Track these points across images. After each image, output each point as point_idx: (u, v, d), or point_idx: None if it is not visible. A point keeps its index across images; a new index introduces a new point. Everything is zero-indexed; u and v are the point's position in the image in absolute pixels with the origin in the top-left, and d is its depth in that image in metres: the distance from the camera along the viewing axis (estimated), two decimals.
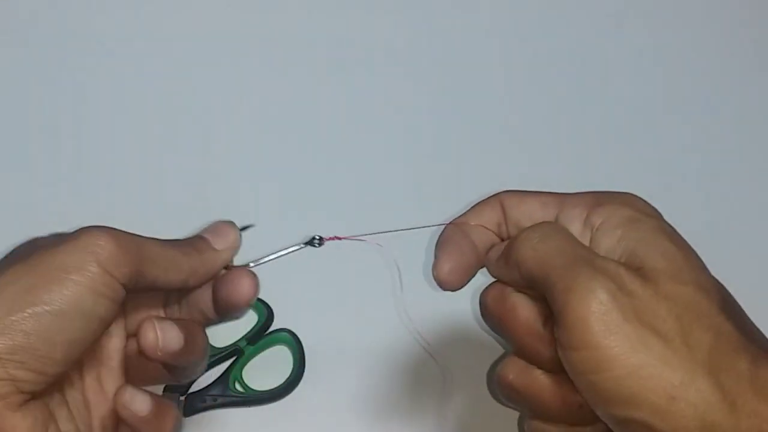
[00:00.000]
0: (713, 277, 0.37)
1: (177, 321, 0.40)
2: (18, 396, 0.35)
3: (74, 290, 0.36)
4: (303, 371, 0.53)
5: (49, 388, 0.37)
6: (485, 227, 0.42)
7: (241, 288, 0.42)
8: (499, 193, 0.42)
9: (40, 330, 0.35)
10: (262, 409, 0.52)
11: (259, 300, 0.54)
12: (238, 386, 0.52)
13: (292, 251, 0.45)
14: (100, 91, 0.62)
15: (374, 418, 0.52)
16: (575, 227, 0.39)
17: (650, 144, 0.62)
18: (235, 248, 0.43)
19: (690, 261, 0.36)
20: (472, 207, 0.43)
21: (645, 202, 0.39)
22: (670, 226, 0.38)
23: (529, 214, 0.41)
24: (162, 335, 0.39)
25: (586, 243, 0.38)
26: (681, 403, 0.33)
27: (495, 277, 0.42)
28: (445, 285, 0.41)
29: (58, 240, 0.38)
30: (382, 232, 0.45)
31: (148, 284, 0.39)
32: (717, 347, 0.34)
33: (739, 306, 0.38)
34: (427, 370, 0.53)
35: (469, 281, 0.42)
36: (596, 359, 0.34)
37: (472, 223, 0.42)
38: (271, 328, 0.54)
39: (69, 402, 0.39)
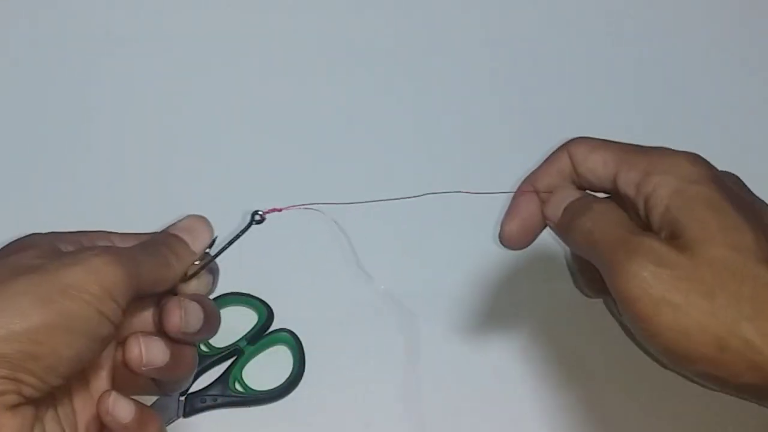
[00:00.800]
0: (757, 231, 0.39)
1: (164, 336, 0.41)
2: (15, 398, 0.36)
3: (84, 309, 0.37)
4: (303, 371, 0.53)
5: (45, 395, 0.38)
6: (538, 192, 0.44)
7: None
8: (568, 143, 0.44)
9: (51, 342, 0.36)
10: (262, 409, 0.52)
11: (259, 300, 0.54)
12: (238, 386, 0.52)
13: (241, 234, 0.44)
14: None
15: (374, 418, 0.52)
16: (630, 190, 0.41)
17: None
18: (205, 243, 0.44)
19: (725, 223, 0.38)
20: (543, 161, 0.45)
21: (697, 164, 0.41)
22: (718, 189, 0.40)
23: (593, 171, 0.43)
24: (146, 351, 0.40)
25: (641, 208, 0.41)
26: (729, 352, 0.37)
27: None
28: (508, 243, 0.45)
29: (65, 256, 0.39)
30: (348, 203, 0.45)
31: (137, 298, 0.40)
32: (756, 296, 0.37)
33: None
34: (428, 370, 0.53)
35: (533, 241, 0.45)
36: (649, 329, 0.38)
37: (535, 186, 0.44)
38: (271, 328, 0.54)
39: (57, 405, 0.40)
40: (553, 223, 0.44)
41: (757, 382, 0.37)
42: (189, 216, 0.44)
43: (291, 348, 0.53)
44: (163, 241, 0.43)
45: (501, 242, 0.45)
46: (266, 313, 0.54)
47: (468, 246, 0.57)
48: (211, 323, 0.42)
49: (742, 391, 0.38)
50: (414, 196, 0.45)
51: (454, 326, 0.55)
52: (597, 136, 0.44)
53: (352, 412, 0.52)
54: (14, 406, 0.36)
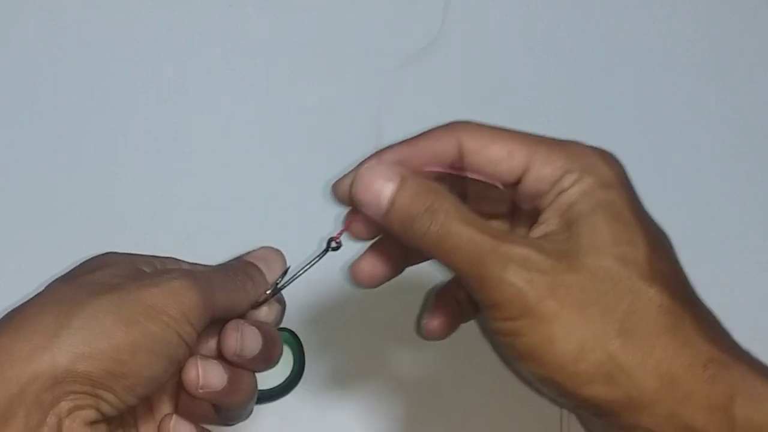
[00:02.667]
0: (653, 247, 0.37)
1: (223, 361, 0.41)
2: (94, 414, 0.37)
3: (165, 331, 0.38)
4: (303, 371, 0.53)
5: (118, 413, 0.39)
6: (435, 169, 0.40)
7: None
8: (456, 127, 0.40)
9: (132, 362, 0.37)
10: (262, 409, 0.52)
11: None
12: None
13: (316, 261, 0.45)
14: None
15: (374, 417, 0.52)
16: (542, 186, 0.39)
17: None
18: (279, 274, 0.45)
19: (620, 235, 0.37)
20: (422, 135, 0.40)
21: (612, 167, 0.39)
22: (627, 197, 0.38)
23: (494, 163, 0.39)
24: (203, 374, 0.40)
25: (551, 203, 0.38)
26: (585, 363, 0.36)
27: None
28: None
29: (145, 277, 0.40)
30: None
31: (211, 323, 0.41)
32: (631, 312, 0.36)
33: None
34: (430, 369, 0.54)
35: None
36: (514, 333, 0.37)
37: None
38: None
39: (124, 425, 0.41)
40: (372, 213, 0.39)
41: (604, 396, 0.36)
42: (264, 247, 0.45)
43: (291, 348, 0.54)
44: (240, 268, 0.43)
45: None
46: None
47: None
48: (271, 351, 0.43)
49: (585, 404, 0.37)
50: None
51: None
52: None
53: (352, 412, 0.52)
54: (92, 422, 0.37)
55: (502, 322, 0.37)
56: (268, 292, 0.44)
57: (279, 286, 0.44)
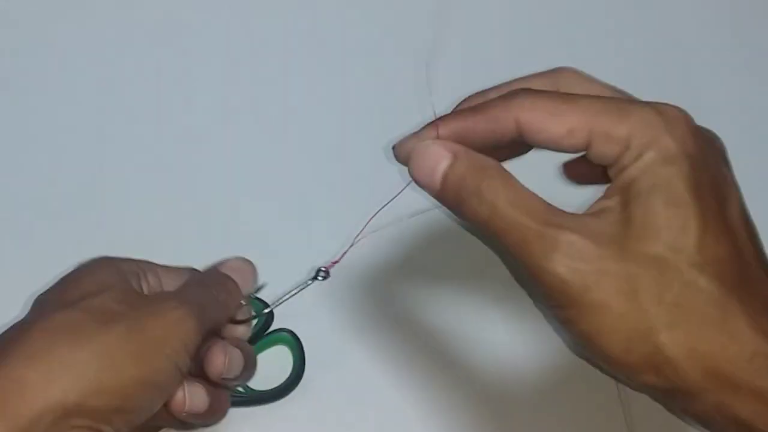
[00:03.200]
0: (707, 231, 0.36)
1: (206, 385, 0.42)
2: None
3: (166, 364, 0.39)
4: (303, 371, 0.53)
5: None
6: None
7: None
8: (512, 104, 0.37)
9: (137, 397, 0.38)
10: (262, 409, 0.52)
11: (259, 300, 0.54)
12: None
13: (301, 289, 0.46)
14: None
15: (374, 418, 0.52)
16: (606, 160, 0.37)
17: None
18: (252, 285, 0.46)
19: (674, 220, 0.36)
20: (480, 111, 0.38)
21: (677, 137, 0.36)
22: (688, 173, 0.36)
23: (555, 142, 0.37)
24: (189, 399, 0.42)
25: (615, 178, 0.37)
26: (634, 355, 0.35)
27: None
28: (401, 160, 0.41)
29: (145, 304, 0.40)
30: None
31: None
32: (679, 302, 0.35)
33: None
34: (428, 368, 0.53)
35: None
36: (561, 317, 0.37)
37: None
38: (271, 328, 0.54)
39: None
40: (428, 191, 0.38)
41: (657, 384, 0.36)
42: (236, 257, 0.46)
43: (291, 348, 0.53)
44: (219, 281, 0.44)
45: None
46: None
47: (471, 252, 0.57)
48: (249, 369, 0.44)
49: (641, 388, 0.37)
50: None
51: (454, 326, 0.55)
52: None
53: (353, 412, 0.52)
54: None
55: (553, 309, 0.37)
56: (253, 312, 0.45)
57: (271, 308, 0.46)
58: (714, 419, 0.36)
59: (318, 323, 0.54)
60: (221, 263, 0.46)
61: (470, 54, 0.63)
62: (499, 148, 0.39)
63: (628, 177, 0.36)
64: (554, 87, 0.39)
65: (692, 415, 0.37)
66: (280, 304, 0.45)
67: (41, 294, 0.42)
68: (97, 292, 0.40)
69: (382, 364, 0.53)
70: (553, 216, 0.36)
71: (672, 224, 0.36)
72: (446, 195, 0.37)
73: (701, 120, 0.38)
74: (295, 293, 0.45)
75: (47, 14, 0.64)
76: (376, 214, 0.45)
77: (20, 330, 0.39)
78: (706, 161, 0.37)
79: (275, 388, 0.52)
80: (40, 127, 0.60)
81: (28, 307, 0.42)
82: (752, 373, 0.35)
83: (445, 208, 0.38)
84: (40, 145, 0.59)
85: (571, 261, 0.35)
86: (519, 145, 0.39)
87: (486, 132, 0.38)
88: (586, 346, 0.37)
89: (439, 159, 0.37)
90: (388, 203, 0.45)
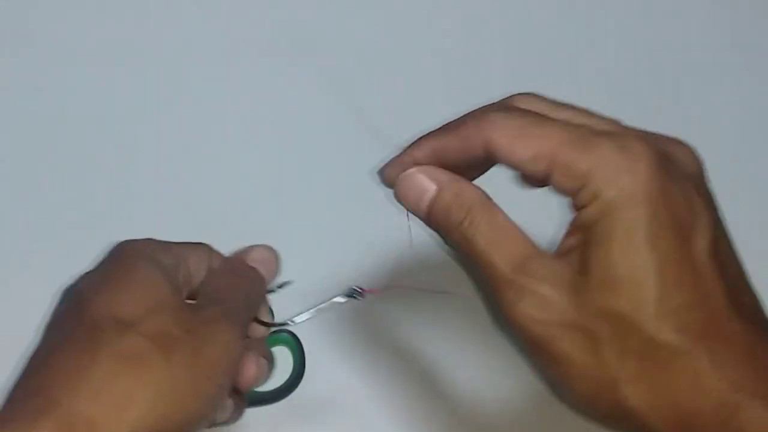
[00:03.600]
0: (667, 279, 0.35)
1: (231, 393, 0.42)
2: None
3: (220, 392, 0.39)
4: (303, 371, 0.53)
5: None
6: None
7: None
8: (483, 124, 0.37)
9: (194, 429, 0.37)
10: (262, 409, 0.52)
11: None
12: None
13: (333, 304, 0.45)
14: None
15: (374, 418, 0.52)
16: (564, 193, 0.36)
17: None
18: (275, 274, 0.45)
19: (629, 271, 0.35)
20: (453, 128, 0.38)
21: (638, 173, 0.35)
22: (649, 216, 0.34)
23: (519, 165, 0.37)
24: (220, 413, 0.41)
25: (575, 216, 0.36)
26: (599, 405, 0.35)
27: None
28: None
29: (197, 326, 0.38)
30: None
31: None
32: (643, 355, 0.34)
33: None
34: (427, 367, 0.54)
35: None
36: (530, 363, 0.37)
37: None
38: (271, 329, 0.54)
39: None
40: (416, 216, 0.39)
41: (624, 429, 0.36)
42: (262, 246, 0.44)
43: (291, 348, 0.53)
44: (249, 276, 0.43)
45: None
46: None
47: None
48: (269, 377, 0.44)
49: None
50: None
51: (454, 326, 0.55)
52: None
53: (353, 413, 0.52)
54: None
55: (521, 353, 0.37)
56: (270, 307, 0.45)
57: (296, 323, 0.45)
58: None
59: (318, 324, 0.54)
60: (246, 251, 0.45)
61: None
62: (476, 167, 0.39)
63: (586, 218, 0.35)
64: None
65: None
66: (305, 321, 0.45)
67: (80, 289, 0.40)
68: (154, 310, 0.38)
69: (383, 364, 0.54)
70: (526, 260, 0.36)
71: (630, 276, 0.34)
72: (433, 225, 0.38)
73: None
74: (322, 307, 0.45)
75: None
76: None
77: (81, 356, 0.36)
78: (670, 198, 0.35)
79: (275, 389, 0.52)
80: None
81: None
82: (719, 425, 0.34)
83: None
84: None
85: (536, 312, 0.35)
86: (493, 162, 0.38)
87: (458, 151, 0.38)
88: (554, 392, 0.37)
89: (423, 189, 0.38)
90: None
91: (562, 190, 0.36)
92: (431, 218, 0.38)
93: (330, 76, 0.63)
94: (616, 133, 0.36)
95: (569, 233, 0.37)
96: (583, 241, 0.36)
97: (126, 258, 0.40)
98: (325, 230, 0.57)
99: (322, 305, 0.44)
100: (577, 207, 0.36)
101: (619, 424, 0.36)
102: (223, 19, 0.64)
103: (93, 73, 0.62)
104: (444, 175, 0.38)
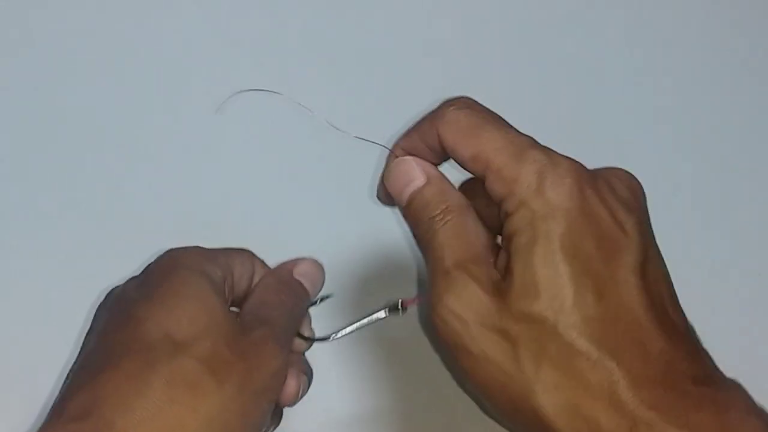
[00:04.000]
0: (585, 288, 0.35)
1: None
2: None
3: (266, 415, 0.39)
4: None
5: None
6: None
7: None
8: (436, 120, 0.39)
9: None
10: None
11: None
12: None
13: (375, 319, 0.45)
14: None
15: (375, 418, 0.52)
16: (494, 197, 0.38)
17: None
18: (318, 291, 0.46)
19: (546, 280, 0.35)
20: (418, 124, 0.40)
21: (560, 189, 0.36)
22: (568, 231, 0.36)
23: (462, 163, 0.39)
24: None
25: (503, 223, 0.37)
26: (521, 414, 0.36)
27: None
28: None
29: (244, 347, 0.38)
30: None
31: None
32: (559, 364, 0.34)
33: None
34: (432, 370, 0.53)
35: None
36: (459, 368, 0.37)
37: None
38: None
39: None
40: (395, 201, 0.41)
41: None
42: (309, 260, 0.45)
43: None
44: (294, 291, 0.43)
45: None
46: None
47: None
48: (306, 390, 0.45)
49: None
50: None
51: None
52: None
53: (352, 413, 0.52)
54: None
55: (448, 353, 0.38)
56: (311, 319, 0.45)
57: (338, 337, 0.45)
58: None
59: (318, 324, 0.54)
60: (292, 264, 0.45)
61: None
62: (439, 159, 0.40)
63: (511, 226, 0.37)
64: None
65: None
66: (347, 335, 0.45)
67: (130, 300, 0.39)
68: (206, 331, 0.38)
69: (383, 365, 0.53)
70: (469, 261, 0.37)
71: (549, 284, 0.35)
72: (408, 212, 0.40)
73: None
74: (365, 322, 0.45)
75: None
76: None
77: (136, 377, 0.36)
78: (594, 215, 0.36)
79: None
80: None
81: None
82: None
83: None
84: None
85: (458, 307, 0.36)
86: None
87: (422, 148, 0.40)
88: (483, 402, 0.37)
89: (412, 178, 0.40)
90: None
91: (493, 195, 0.37)
92: (409, 207, 0.40)
93: (344, 76, 0.63)
94: (547, 150, 0.37)
95: (502, 239, 0.38)
96: (509, 247, 0.36)
97: (177, 271, 0.40)
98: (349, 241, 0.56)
99: (365, 320, 0.45)
100: (506, 214, 0.37)
101: (523, 424, 0.35)
102: (222, 19, 0.64)
103: (95, 71, 0.62)
104: (435, 171, 0.40)
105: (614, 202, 0.37)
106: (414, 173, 0.40)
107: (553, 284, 0.35)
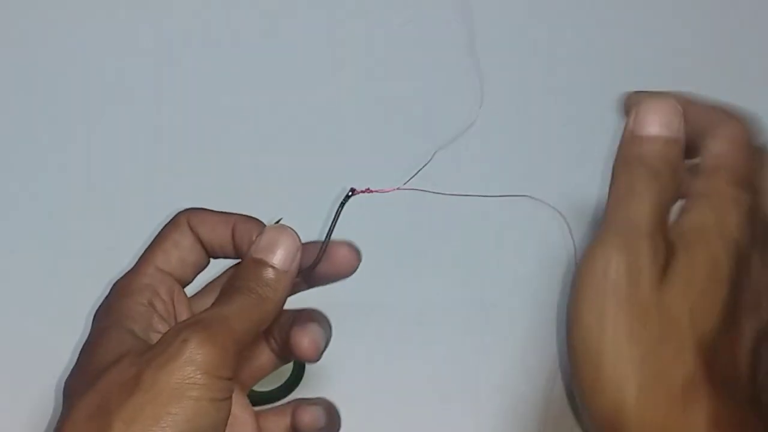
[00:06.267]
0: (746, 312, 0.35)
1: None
2: None
3: (196, 407, 0.35)
4: (302, 373, 0.53)
5: None
6: None
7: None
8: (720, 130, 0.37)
9: None
10: (261, 410, 0.52)
11: None
12: None
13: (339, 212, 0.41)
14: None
15: (374, 419, 0.52)
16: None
17: None
18: (296, 255, 0.40)
19: (704, 284, 0.34)
20: (704, 106, 0.38)
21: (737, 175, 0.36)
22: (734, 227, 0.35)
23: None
24: None
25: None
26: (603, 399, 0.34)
27: None
28: None
29: (154, 349, 0.36)
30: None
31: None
32: (686, 382, 0.33)
33: None
34: (432, 370, 0.54)
35: None
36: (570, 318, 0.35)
37: None
38: None
39: None
40: (635, 123, 0.37)
41: None
42: (268, 229, 0.40)
43: None
44: (249, 275, 0.39)
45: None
46: None
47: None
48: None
49: None
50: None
51: (455, 328, 0.55)
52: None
53: (352, 413, 0.52)
54: None
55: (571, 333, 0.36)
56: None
57: (316, 261, 0.40)
58: None
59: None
60: (255, 243, 0.40)
61: None
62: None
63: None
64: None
65: None
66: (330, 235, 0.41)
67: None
68: (112, 363, 0.37)
69: (383, 365, 0.54)
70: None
71: (694, 274, 0.35)
72: (642, 146, 0.37)
73: None
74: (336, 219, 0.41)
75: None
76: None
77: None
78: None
79: (275, 388, 0.52)
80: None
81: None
82: None
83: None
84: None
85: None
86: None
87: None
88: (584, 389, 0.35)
89: (673, 125, 0.37)
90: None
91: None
92: (650, 142, 0.37)
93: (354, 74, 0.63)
94: None
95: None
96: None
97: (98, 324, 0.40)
98: None
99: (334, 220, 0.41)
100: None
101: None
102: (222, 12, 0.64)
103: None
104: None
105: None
106: (677, 124, 0.37)
107: (699, 292, 0.35)
